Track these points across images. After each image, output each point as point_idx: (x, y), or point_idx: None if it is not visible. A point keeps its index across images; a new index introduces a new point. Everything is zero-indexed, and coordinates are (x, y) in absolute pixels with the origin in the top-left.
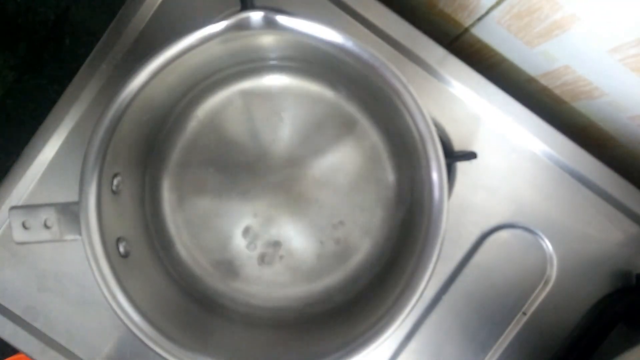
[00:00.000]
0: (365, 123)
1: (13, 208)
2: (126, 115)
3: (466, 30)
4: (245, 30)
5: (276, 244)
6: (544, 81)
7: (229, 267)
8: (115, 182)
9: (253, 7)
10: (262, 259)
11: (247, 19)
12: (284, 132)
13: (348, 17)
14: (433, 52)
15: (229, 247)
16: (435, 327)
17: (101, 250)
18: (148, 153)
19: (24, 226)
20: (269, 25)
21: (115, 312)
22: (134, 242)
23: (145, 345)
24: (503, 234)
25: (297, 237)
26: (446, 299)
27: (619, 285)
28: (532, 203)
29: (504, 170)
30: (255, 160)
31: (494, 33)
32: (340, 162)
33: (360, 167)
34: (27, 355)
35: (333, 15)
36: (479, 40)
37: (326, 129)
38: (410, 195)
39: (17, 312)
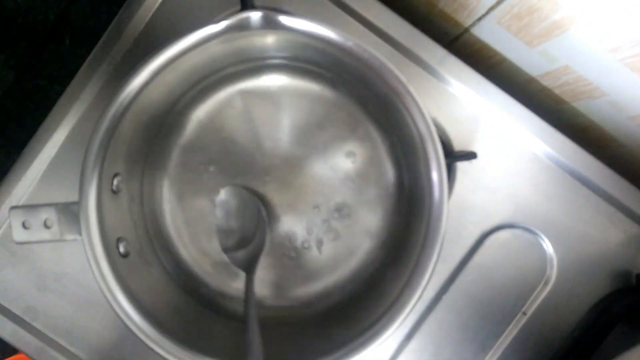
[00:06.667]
0: (365, 123)
1: (13, 208)
2: (126, 115)
3: (466, 30)
4: (245, 30)
5: (276, 244)
6: (544, 81)
7: (228, 267)
8: (115, 182)
9: (253, 7)
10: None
11: (247, 19)
12: (284, 132)
13: (348, 17)
14: (433, 52)
15: None
16: (435, 327)
17: (101, 250)
18: (148, 153)
19: (24, 226)
20: (269, 25)
21: (115, 312)
22: (134, 242)
23: (145, 345)
24: (503, 234)
25: (296, 237)
26: (446, 299)
27: (619, 285)
28: (532, 203)
29: (504, 170)
30: (255, 160)
31: (494, 33)
32: (340, 162)
33: (360, 167)
34: (27, 355)
35: (333, 15)
36: (479, 40)
37: (326, 129)
38: (410, 195)
39: (17, 312)
